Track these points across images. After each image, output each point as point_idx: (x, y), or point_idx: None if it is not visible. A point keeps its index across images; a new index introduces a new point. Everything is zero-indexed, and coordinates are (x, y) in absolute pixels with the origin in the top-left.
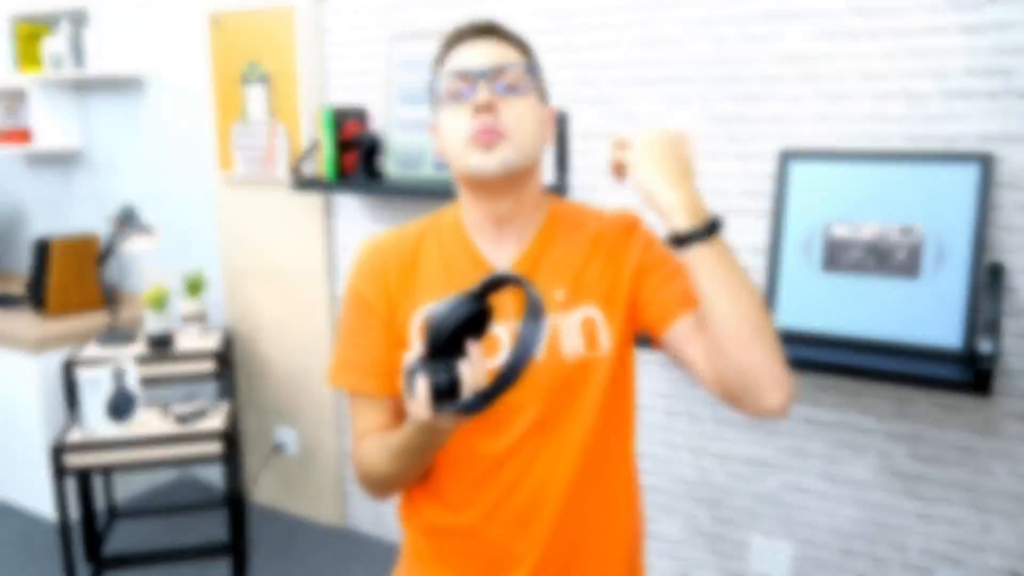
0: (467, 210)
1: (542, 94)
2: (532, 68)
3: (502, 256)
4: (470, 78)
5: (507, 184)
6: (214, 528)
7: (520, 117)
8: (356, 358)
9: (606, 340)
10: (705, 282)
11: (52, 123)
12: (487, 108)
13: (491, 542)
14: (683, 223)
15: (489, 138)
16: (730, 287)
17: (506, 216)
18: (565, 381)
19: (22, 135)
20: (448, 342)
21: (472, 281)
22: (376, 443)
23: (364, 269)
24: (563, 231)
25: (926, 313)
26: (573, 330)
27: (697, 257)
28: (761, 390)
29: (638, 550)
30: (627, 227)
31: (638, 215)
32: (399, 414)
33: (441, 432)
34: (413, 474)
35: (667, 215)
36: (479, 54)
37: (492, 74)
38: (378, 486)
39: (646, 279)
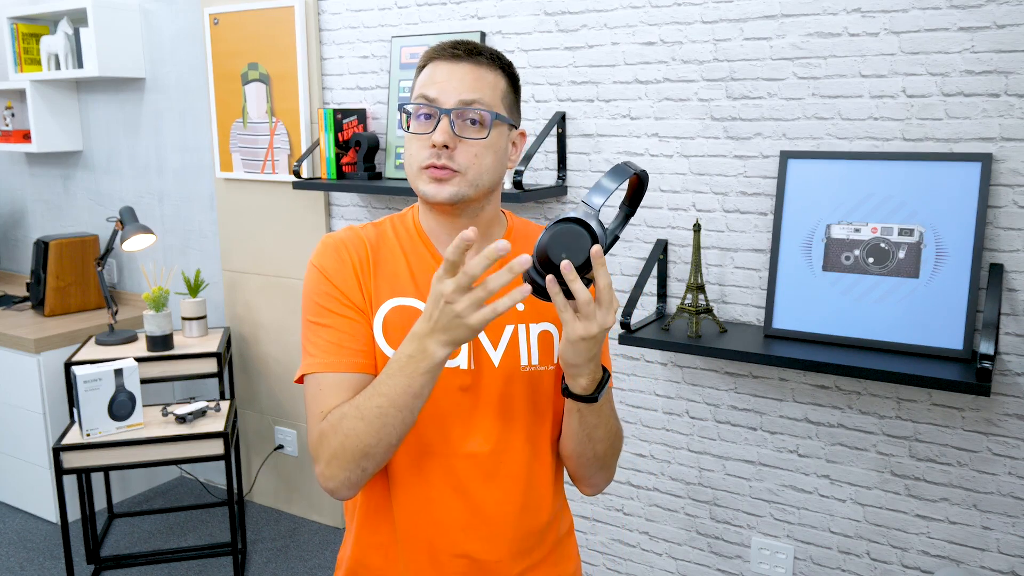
0: (425, 219)
1: (514, 120)
2: (505, 100)
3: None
4: (434, 111)
5: (459, 207)
6: (214, 528)
7: (476, 156)
8: (331, 338)
9: (556, 354)
10: (576, 426)
11: (51, 123)
12: (442, 146)
13: (443, 547)
14: (579, 391)
15: (441, 174)
16: (604, 434)
17: (462, 229)
18: (518, 388)
19: (22, 135)
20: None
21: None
22: (354, 407)
23: (334, 262)
24: (523, 246)
25: (926, 313)
26: (533, 342)
27: (576, 407)
28: (584, 488)
29: (570, 535)
30: None
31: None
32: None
33: (438, 362)
34: (400, 432)
35: (569, 379)
36: (450, 85)
37: (456, 112)
38: (357, 455)
39: None
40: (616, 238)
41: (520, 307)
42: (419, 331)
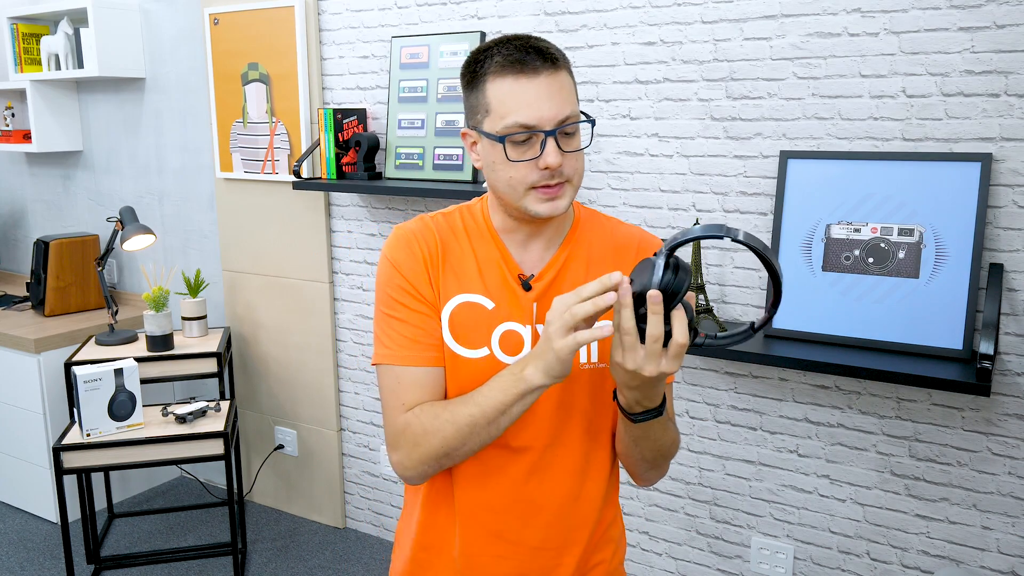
0: (498, 218)
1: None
2: (577, 97)
3: (531, 259)
4: (537, 134)
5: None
6: (214, 528)
7: (577, 164)
8: (406, 333)
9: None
10: (622, 431)
11: (51, 123)
12: (558, 166)
13: (492, 528)
14: (622, 402)
15: (555, 192)
16: (650, 446)
17: (540, 231)
18: (578, 385)
19: (22, 135)
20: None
21: (504, 281)
22: (447, 411)
23: (407, 256)
24: (588, 239)
25: (926, 313)
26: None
27: (631, 426)
28: (637, 480)
29: (617, 522)
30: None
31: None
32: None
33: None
34: (484, 441)
35: (621, 396)
36: (544, 105)
37: (559, 132)
38: (439, 454)
39: None
40: (754, 328)
41: None
42: (526, 355)
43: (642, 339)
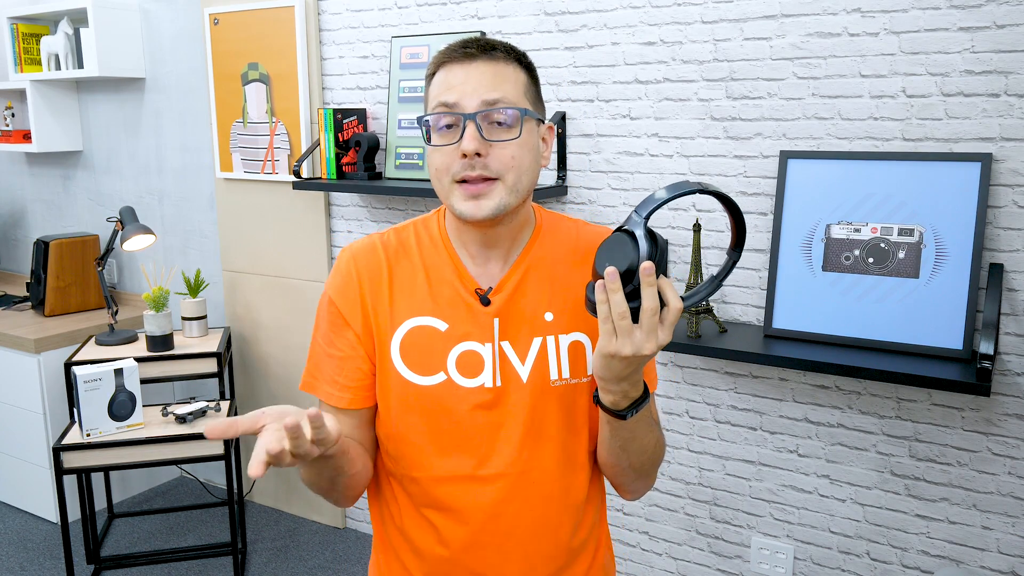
0: (452, 227)
1: (540, 115)
2: (528, 94)
3: (490, 272)
4: (457, 117)
5: (496, 221)
6: (214, 528)
7: (513, 157)
8: (328, 368)
9: (590, 365)
10: (608, 437)
11: (51, 123)
12: (474, 154)
13: (470, 566)
14: (608, 404)
15: (477, 189)
16: (638, 448)
17: (492, 240)
18: (549, 404)
19: (22, 135)
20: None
21: (458, 298)
22: None
23: (340, 281)
24: (551, 247)
25: (926, 313)
26: (563, 354)
27: (606, 419)
28: (624, 494)
29: (609, 558)
30: None
31: None
32: (363, 426)
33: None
34: (338, 491)
35: (600, 390)
36: (469, 87)
37: (481, 115)
38: (319, 493)
39: None
40: (718, 282)
41: (549, 317)
42: None
43: (634, 318)
